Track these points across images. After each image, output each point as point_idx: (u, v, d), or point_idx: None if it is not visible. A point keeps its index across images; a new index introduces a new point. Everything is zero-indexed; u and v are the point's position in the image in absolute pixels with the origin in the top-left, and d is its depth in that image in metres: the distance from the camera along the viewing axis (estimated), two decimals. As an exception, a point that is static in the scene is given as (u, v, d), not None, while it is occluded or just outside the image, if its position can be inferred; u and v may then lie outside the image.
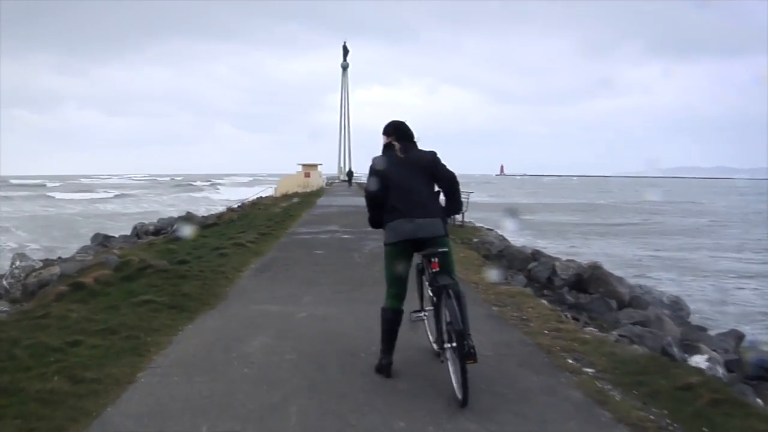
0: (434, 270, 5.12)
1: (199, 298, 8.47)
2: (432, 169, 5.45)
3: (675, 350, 9.41)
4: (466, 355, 4.64)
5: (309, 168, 58.44)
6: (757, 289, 22.63)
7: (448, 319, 4.86)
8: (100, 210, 63.55)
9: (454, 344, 4.75)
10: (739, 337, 13.63)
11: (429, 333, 6.02)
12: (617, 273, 15.65)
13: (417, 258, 5.57)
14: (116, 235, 26.40)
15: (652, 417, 4.66)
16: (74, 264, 11.28)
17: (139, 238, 24.04)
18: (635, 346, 8.00)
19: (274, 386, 5.16)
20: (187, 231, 16.84)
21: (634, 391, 5.18)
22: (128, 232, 27.34)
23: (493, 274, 11.11)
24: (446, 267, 5.17)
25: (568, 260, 15.88)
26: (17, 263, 11.80)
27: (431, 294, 5.31)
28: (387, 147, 5.58)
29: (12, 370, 5.32)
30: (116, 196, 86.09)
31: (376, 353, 5.54)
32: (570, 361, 5.99)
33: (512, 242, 20.21)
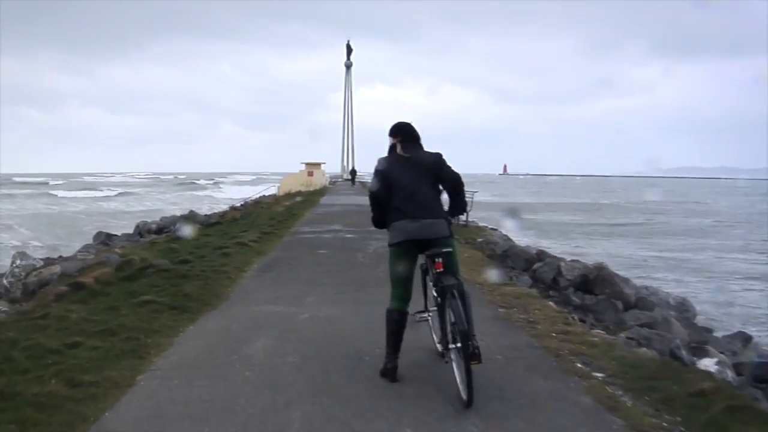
0: (438, 270, 5.08)
1: (201, 298, 8.36)
2: (437, 171, 5.40)
3: (683, 353, 9.27)
4: (470, 356, 4.60)
5: (312, 167, 58.32)
6: (763, 290, 22.48)
7: (453, 320, 4.82)
8: (103, 208, 63.53)
9: (459, 345, 4.73)
10: (746, 339, 13.50)
11: (433, 334, 6.00)
12: (622, 274, 15.50)
13: (421, 258, 5.49)
14: (119, 234, 26.30)
15: (665, 424, 4.54)
16: (75, 263, 11.17)
17: (141, 236, 23.95)
18: (644, 349, 7.87)
19: (277, 390, 5.04)
20: (187, 231, 16.74)
21: (646, 397, 5.05)
22: (131, 231, 27.24)
23: (493, 274, 11.03)
24: (450, 267, 5.13)
25: (573, 261, 15.73)
26: (18, 262, 11.68)
27: (435, 294, 5.25)
28: (393, 148, 5.54)
29: (9, 373, 5.21)
30: (119, 195, 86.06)
31: (381, 356, 5.45)
32: (579, 365, 5.86)
33: (516, 242, 20.08)
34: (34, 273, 10.71)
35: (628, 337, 9.06)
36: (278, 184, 53.80)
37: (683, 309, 15.15)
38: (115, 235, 25.46)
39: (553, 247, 26.31)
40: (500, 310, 8.14)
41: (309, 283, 9.73)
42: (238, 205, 33.25)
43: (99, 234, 25.79)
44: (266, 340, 6.48)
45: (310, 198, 35.66)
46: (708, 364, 8.64)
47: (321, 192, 45.67)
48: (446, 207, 5.50)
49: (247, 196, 43.31)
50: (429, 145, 5.64)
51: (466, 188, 5.79)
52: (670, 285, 20.86)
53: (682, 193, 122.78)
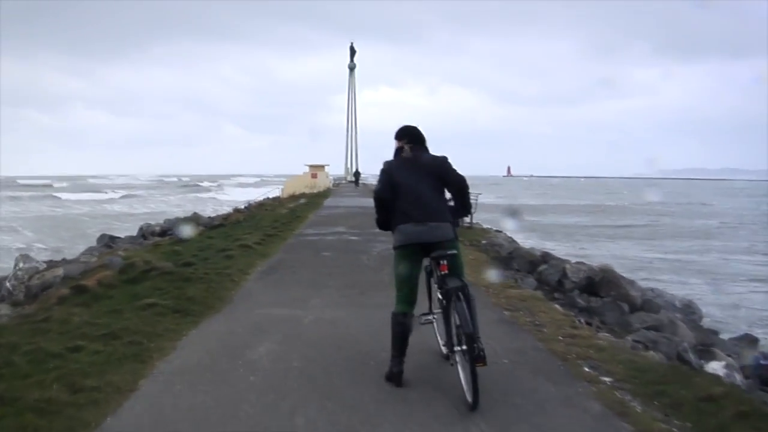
0: (443, 272, 5.08)
1: (204, 301, 8.29)
2: (442, 174, 5.41)
3: (691, 356, 9.21)
4: (476, 358, 4.57)
5: (316, 169, 58.30)
6: (769, 292, 22.39)
7: (458, 322, 4.81)
8: (107, 210, 63.61)
9: (464, 347, 4.72)
10: (753, 341, 13.42)
11: (438, 336, 5.97)
12: (627, 276, 15.42)
13: (426, 261, 5.50)
14: (122, 236, 26.28)
15: (675, 430, 4.48)
16: (78, 266, 11.12)
17: (145, 238, 23.90)
18: (651, 353, 7.81)
19: (281, 396, 4.97)
20: (187, 231, 16.70)
21: (655, 402, 4.99)
22: (135, 233, 27.22)
23: (493, 274, 10.98)
24: (455, 269, 5.13)
25: (578, 263, 15.66)
26: (21, 264, 11.64)
27: (440, 297, 5.21)
28: (399, 151, 5.56)
29: (9, 378, 5.15)
30: (123, 197, 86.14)
31: (386, 360, 5.38)
32: (586, 369, 5.79)
33: (521, 244, 20.00)
34: (37, 276, 10.67)
35: (634, 340, 9.00)
36: (282, 186, 53.76)
37: (689, 311, 15.08)
38: (119, 238, 25.45)
39: (558, 248, 26.25)
40: (506, 312, 8.08)
41: (313, 285, 9.66)
42: (242, 207, 33.21)
43: (102, 236, 25.78)
44: (270, 344, 6.41)
45: (313, 200, 35.62)
46: (716, 367, 8.56)
47: (325, 194, 45.63)
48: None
49: (251, 198, 43.28)
50: (432, 147, 5.67)
51: (470, 190, 5.74)
52: (675, 287, 20.76)
53: (686, 195, 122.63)
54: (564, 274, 14.21)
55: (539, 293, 10.39)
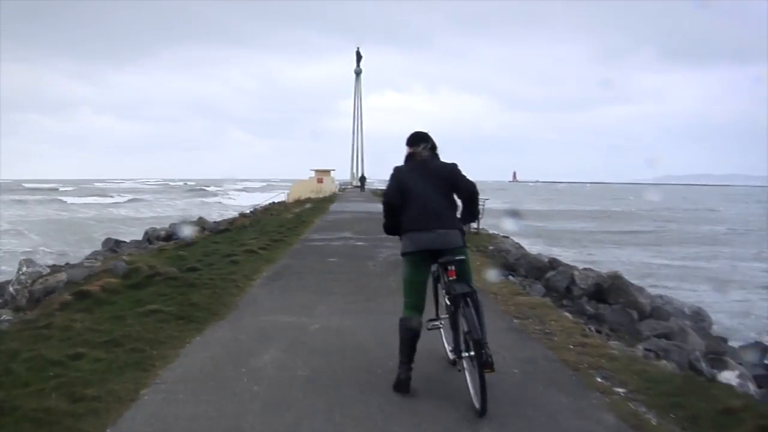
0: (451, 278, 5.05)
1: (209, 308, 8.16)
2: (452, 181, 5.41)
3: (703, 365, 9.06)
4: (483, 364, 4.55)
5: (322, 173, 58.19)
6: (779, 299, 22.15)
7: (466, 328, 4.78)
8: (113, 214, 63.60)
9: (472, 353, 4.70)
10: (764, 349, 13.23)
11: (445, 342, 5.97)
12: (635, 282, 15.24)
13: (433, 266, 5.45)
14: (127, 240, 26.19)
15: (693, 445, 4.33)
16: (82, 270, 11.01)
17: (150, 243, 23.82)
18: (664, 362, 7.66)
19: (286, 407, 4.84)
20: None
21: (671, 415, 4.84)
22: (140, 237, 27.13)
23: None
24: (463, 275, 5.12)
25: (586, 269, 15.50)
26: (24, 269, 11.53)
27: (448, 302, 5.15)
28: (409, 157, 5.56)
29: (8, 386, 5.04)
30: (129, 201, 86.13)
31: (394, 368, 5.28)
32: (599, 379, 5.66)
33: (528, 250, 19.86)
34: (40, 280, 10.56)
35: (646, 349, 8.86)
36: (288, 191, 53.66)
37: (699, 318, 14.90)
38: (124, 242, 25.36)
39: (565, 254, 26.07)
40: (515, 321, 7.94)
41: (319, 292, 9.53)
42: (248, 211, 33.13)
43: (107, 240, 25.69)
44: (275, 352, 6.28)
45: (319, 205, 35.51)
46: (729, 377, 8.42)
47: (330, 199, 45.52)
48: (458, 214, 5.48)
49: (257, 203, 43.19)
50: (438, 153, 5.62)
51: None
52: (683, 294, 20.57)
53: (694, 200, 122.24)
54: (572, 281, 14.06)
55: (549, 301, 10.23)
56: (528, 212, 62.97)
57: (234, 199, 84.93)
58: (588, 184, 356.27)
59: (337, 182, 67.24)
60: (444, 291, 5.30)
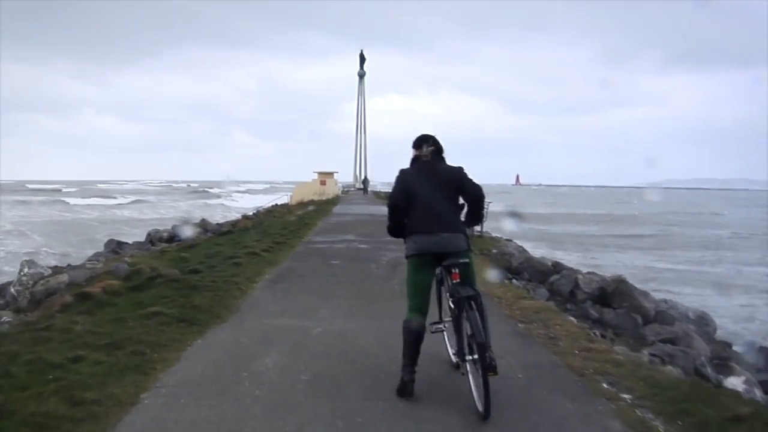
0: (455, 281, 5.05)
1: (210, 310, 8.09)
2: (458, 184, 5.39)
3: (709, 371, 8.99)
4: (487, 368, 4.55)
5: (325, 176, 58.17)
6: (783, 304, 22.07)
7: (470, 331, 4.76)
8: (116, 215, 63.63)
9: (476, 356, 4.68)
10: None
11: (448, 345, 5.97)
12: (638, 286, 15.16)
13: (437, 269, 5.42)
14: (130, 242, 26.14)
15: (703, 453, 4.26)
16: (83, 272, 10.94)
17: (152, 244, 23.78)
18: (669, 368, 7.60)
19: (288, 412, 4.76)
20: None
21: (679, 422, 4.77)
22: (143, 239, 27.07)
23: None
24: (467, 278, 5.11)
25: (590, 273, 15.44)
26: (26, 270, 11.46)
27: (452, 305, 5.13)
28: (415, 159, 5.54)
29: (7, 389, 4.95)
30: (133, 202, 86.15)
31: (397, 373, 5.22)
32: (605, 385, 5.58)
33: (532, 253, 19.79)
34: (42, 282, 10.50)
35: (651, 354, 8.80)
36: (291, 193, 53.63)
37: (703, 323, 14.80)
38: (127, 243, 25.31)
39: (568, 258, 26.03)
40: (520, 325, 7.86)
41: (322, 295, 9.46)
42: (251, 213, 33.07)
43: (110, 242, 25.64)
44: (277, 356, 6.21)
45: (322, 207, 35.45)
46: (735, 382, 8.35)
47: (333, 201, 45.47)
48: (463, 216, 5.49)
49: (260, 205, 43.15)
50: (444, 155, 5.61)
51: None
52: (687, 298, 20.49)
53: (697, 204, 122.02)
54: (576, 285, 14.01)
55: (553, 305, 10.15)
56: (531, 215, 62.82)
57: (237, 201, 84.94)
58: (591, 187, 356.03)
59: (340, 185, 67.20)
60: (448, 294, 5.28)
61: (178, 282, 9.57)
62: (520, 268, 15.64)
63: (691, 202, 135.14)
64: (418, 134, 5.61)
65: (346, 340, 6.89)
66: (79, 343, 6.29)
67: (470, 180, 5.41)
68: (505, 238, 24.02)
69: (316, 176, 58.46)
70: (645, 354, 8.50)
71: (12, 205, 70.25)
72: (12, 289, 11.10)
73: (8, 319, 8.44)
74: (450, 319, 5.35)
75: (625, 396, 5.32)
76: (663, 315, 13.31)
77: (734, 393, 6.33)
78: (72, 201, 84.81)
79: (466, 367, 4.98)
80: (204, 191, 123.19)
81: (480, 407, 4.64)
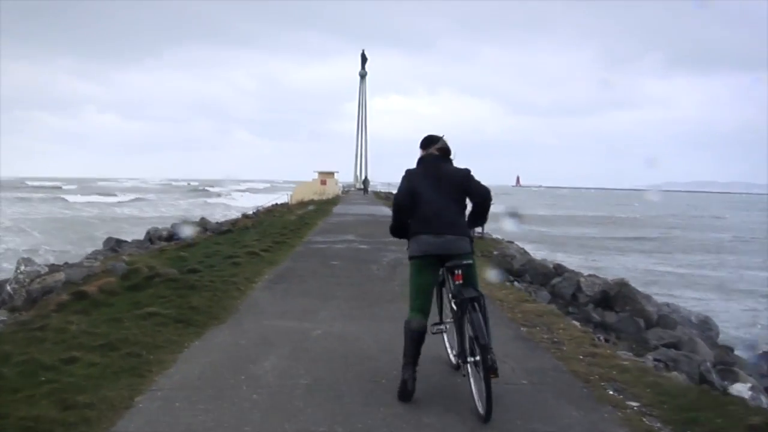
0: (458, 282, 5.02)
1: (208, 311, 7.96)
2: (464, 186, 5.33)
3: (714, 377, 8.85)
4: (489, 370, 4.51)
5: (325, 175, 58.11)
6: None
7: (472, 333, 4.72)
8: (116, 213, 63.44)
9: (477, 358, 4.66)
10: (774, 360, 13.01)
11: (448, 346, 5.98)
12: (640, 289, 15.03)
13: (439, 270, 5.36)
14: (129, 240, 25.99)
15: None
16: (80, 270, 10.80)
17: (152, 243, 23.63)
18: (675, 373, 7.47)
19: (287, 417, 4.63)
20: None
21: (688, 431, 4.63)
22: (143, 237, 26.91)
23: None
24: (470, 280, 5.09)
25: (591, 275, 15.31)
26: (22, 268, 11.32)
27: (454, 306, 5.10)
28: (422, 160, 5.48)
29: (-3, 392, 4.83)
30: (133, 200, 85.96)
31: (398, 378, 5.11)
32: (611, 392, 5.46)
33: (533, 255, 19.66)
34: (38, 280, 10.37)
35: (655, 359, 8.68)
36: (291, 193, 53.52)
37: (706, 327, 14.67)
38: (125, 241, 25.14)
39: (569, 260, 25.87)
40: (522, 329, 7.74)
41: (321, 296, 9.33)
42: (250, 213, 32.94)
43: (109, 240, 25.47)
44: (276, 359, 6.09)
45: (322, 207, 35.34)
46: (741, 389, 8.19)
47: (334, 201, 45.36)
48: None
49: (260, 204, 43.02)
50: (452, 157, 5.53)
51: None
52: (689, 302, 20.37)
53: (698, 207, 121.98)
54: (578, 288, 13.87)
55: (556, 308, 10.02)
56: (532, 217, 62.66)
57: (237, 200, 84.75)
58: (592, 189, 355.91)
59: (340, 184, 67.14)
60: (450, 295, 5.21)
61: (176, 282, 9.44)
62: (521, 270, 15.49)
63: (692, 205, 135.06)
64: (425, 134, 5.55)
65: (346, 343, 6.77)
66: (74, 344, 6.16)
67: (477, 182, 5.35)
68: (506, 239, 23.89)
69: (316, 176, 58.40)
70: (649, 359, 8.37)
71: (12, 202, 70.07)
72: (8, 287, 10.96)
73: (2, 318, 8.32)
74: (451, 320, 5.33)
75: (632, 403, 5.19)
76: (665, 319, 13.18)
77: (741, 401, 6.19)
78: (72, 198, 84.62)
79: (467, 368, 4.94)
80: (204, 190, 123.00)
81: (481, 410, 4.60)
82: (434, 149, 5.43)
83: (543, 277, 15.24)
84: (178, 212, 59.46)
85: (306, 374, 5.65)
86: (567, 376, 5.86)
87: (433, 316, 5.47)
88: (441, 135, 5.54)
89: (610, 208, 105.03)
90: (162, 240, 23.64)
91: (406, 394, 4.98)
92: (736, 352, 13.46)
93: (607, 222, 68.41)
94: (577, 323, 8.95)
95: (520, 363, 6.07)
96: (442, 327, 5.52)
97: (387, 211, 25.35)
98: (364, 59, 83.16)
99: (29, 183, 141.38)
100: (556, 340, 7.24)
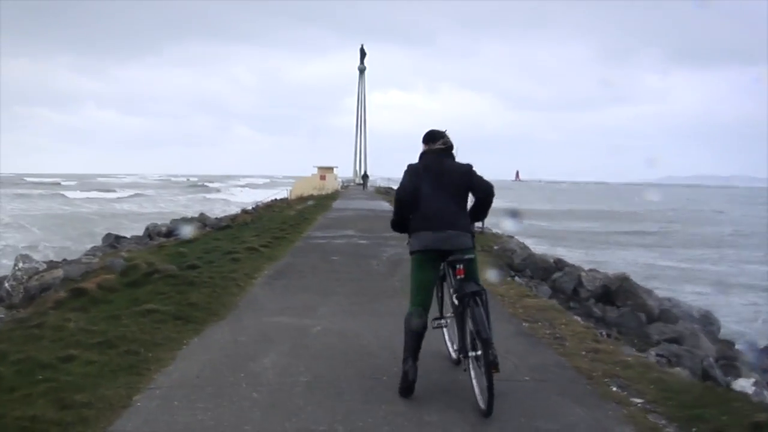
0: (460, 277, 5.00)
1: (208, 307, 7.89)
2: (466, 182, 5.30)
3: (717, 372, 8.80)
4: (490, 364, 4.49)
5: (325, 170, 58.02)
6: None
7: (474, 327, 4.70)
8: (116, 209, 63.40)
9: (478, 353, 4.65)
10: (776, 354, 12.97)
11: (448, 340, 5.95)
12: (640, 284, 14.96)
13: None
14: (128, 236, 25.91)
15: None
16: (79, 267, 10.73)
17: (151, 239, 23.54)
18: (678, 369, 7.41)
19: (287, 416, 4.57)
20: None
21: (694, 429, 4.58)
22: (142, 233, 26.84)
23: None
24: (471, 274, 5.08)
25: (592, 270, 15.24)
26: (20, 264, 11.25)
27: (456, 301, 5.06)
28: (424, 155, 5.44)
29: (-7, 391, 4.76)
30: (132, 196, 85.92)
31: (399, 375, 5.06)
32: (615, 389, 5.40)
33: (533, 250, 19.57)
34: (36, 277, 10.31)
35: (658, 354, 8.61)
36: (290, 188, 53.44)
37: (707, 322, 14.61)
38: (124, 237, 25.08)
39: (570, 255, 25.78)
40: (524, 324, 7.67)
41: (321, 292, 9.27)
42: (250, 208, 32.86)
43: (108, 236, 25.40)
44: (276, 356, 6.02)
45: (322, 202, 35.28)
46: (744, 385, 8.14)
47: (333, 196, 45.30)
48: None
49: (259, 200, 42.94)
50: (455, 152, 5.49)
51: None
52: (690, 296, 20.33)
53: (698, 201, 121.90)
54: (579, 283, 13.80)
55: (557, 303, 9.96)
56: (532, 212, 62.62)
57: (236, 196, 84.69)
58: (592, 184, 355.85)
59: (339, 179, 67.05)
60: (452, 290, 5.16)
61: (175, 278, 9.37)
62: (522, 265, 15.40)
63: (692, 199, 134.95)
64: (428, 129, 5.51)
65: (346, 340, 6.71)
66: (71, 342, 6.09)
67: (480, 177, 5.32)
68: (506, 234, 23.81)
69: (315, 171, 58.31)
70: (652, 354, 8.31)
71: (11, 198, 70.05)
72: (6, 284, 10.88)
73: (0, 316, 8.25)
74: (451, 314, 5.34)
75: (636, 400, 5.13)
76: (667, 313, 13.12)
77: (744, 396, 6.13)
78: (71, 194, 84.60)
79: (467, 363, 4.92)
80: (203, 185, 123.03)
81: (482, 404, 4.59)
82: (437, 144, 5.38)
83: (544, 271, 15.16)
84: (177, 208, 59.43)
85: (306, 371, 5.60)
86: (570, 373, 5.81)
87: (433, 311, 5.44)
88: (444, 130, 5.49)
89: (609, 202, 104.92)
90: (161, 236, 23.55)
91: (407, 384, 4.95)
92: (738, 347, 13.41)
93: (608, 216, 68.31)
94: (579, 318, 8.90)
95: (522, 359, 6.02)
96: (443, 322, 5.53)
97: (386, 206, 25.26)
98: (363, 54, 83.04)
99: (28, 179, 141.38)
100: (558, 335, 7.18)
